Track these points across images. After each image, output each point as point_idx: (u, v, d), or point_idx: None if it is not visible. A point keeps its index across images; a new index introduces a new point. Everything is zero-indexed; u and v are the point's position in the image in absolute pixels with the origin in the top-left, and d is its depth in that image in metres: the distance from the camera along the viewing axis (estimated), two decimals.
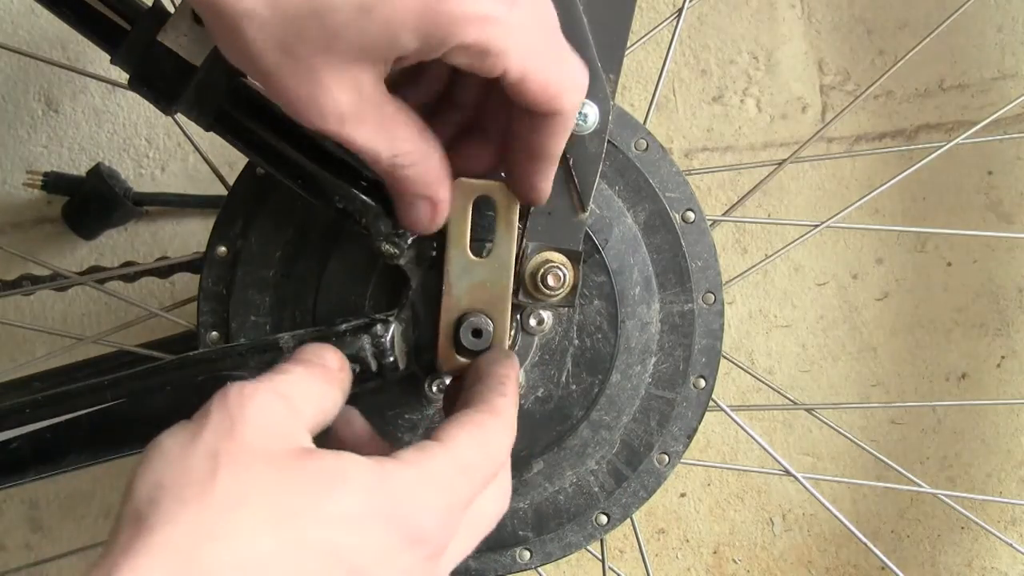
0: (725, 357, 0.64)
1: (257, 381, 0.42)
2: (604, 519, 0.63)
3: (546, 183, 0.50)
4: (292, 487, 0.38)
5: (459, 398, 0.49)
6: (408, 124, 0.46)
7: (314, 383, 0.45)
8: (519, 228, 0.54)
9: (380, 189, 0.53)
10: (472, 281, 0.54)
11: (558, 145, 0.48)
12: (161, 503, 0.37)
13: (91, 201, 0.89)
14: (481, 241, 0.54)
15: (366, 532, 0.38)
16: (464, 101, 0.51)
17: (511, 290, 0.54)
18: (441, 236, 0.54)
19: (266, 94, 0.44)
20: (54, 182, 0.89)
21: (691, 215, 0.62)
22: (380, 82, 0.44)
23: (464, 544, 0.44)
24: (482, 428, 0.45)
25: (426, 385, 0.58)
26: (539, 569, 0.64)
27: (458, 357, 0.55)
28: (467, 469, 0.43)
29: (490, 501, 0.46)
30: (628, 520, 0.64)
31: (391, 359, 0.55)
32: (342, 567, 0.37)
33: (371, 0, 0.40)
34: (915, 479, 0.75)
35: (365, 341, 0.54)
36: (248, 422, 0.40)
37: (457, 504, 0.42)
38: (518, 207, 0.53)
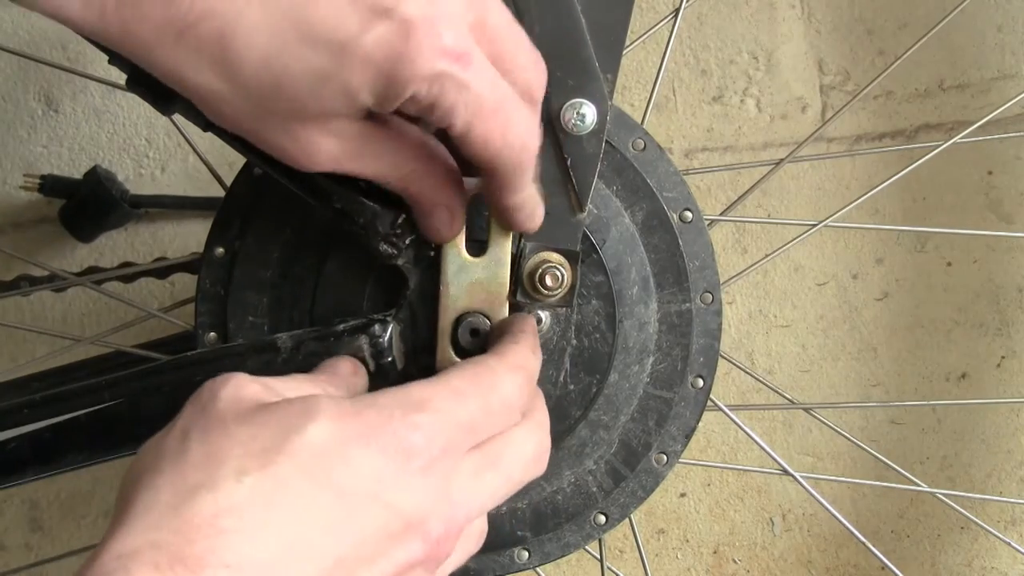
0: (724, 357, 0.64)
1: (240, 374, 0.42)
2: (602, 519, 0.63)
3: (518, 223, 0.51)
4: (261, 431, 0.38)
5: None
6: (403, 144, 0.47)
7: (309, 384, 0.45)
8: None
9: (378, 190, 0.54)
10: (469, 280, 0.54)
11: (505, 199, 0.49)
12: (140, 480, 0.37)
13: (88, 204, 0.89)
14: (478, 241, 0.54)
15: (344, 457, 0.38)
16: None
17: (508, 289, 0.54)
18: None
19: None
20: (51, 185, 0.89)
21: (689, 215, 0.62)
22: (359, 121, 0.44)
23: (495, 476, 0.44)
24: (476, 363, 0.45)
25: None
26: (537, 569, 0.64)
27: (456, 358, 0.55)
28: (456, 392, 0.43)
29: (523, 432, 0.45)
30: (627, 520, 0.64)
31: (389, 359, 0.55)
32: (328, 493, 0.37)
33: (327, 70, 0.40)
34: (915, 479, 0.75)
35: (363, 341, 0.54)
36: (220, 399, 0.40)
37: (447, 421, 0.41)
38: None
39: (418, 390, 0.42)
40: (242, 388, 0.41)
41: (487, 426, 0.44)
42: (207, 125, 0.52)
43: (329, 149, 0.44)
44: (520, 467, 0.45)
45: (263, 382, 0.42)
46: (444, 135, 0.46)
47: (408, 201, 0.50)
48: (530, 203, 0.50)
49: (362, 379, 0.50)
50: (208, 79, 0.41)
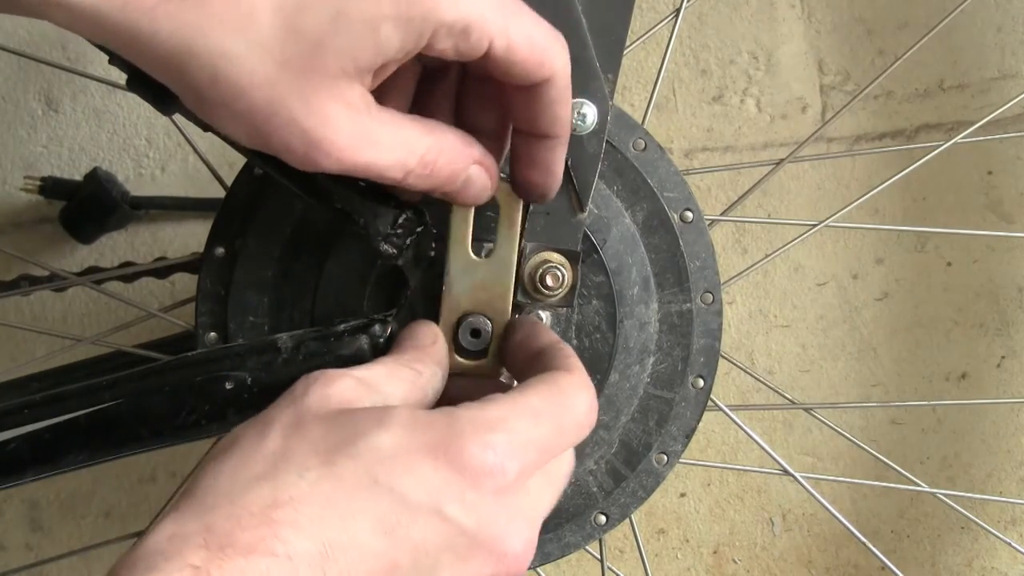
0: (724, 357, 0.64)
1: (336, 369, 0.43)
2: (603, 519, 0.63)
3: (560, 166, 0.49)
4: (332, 432, 0.39)
5: (520, 376, 0.49)
6: (408, 121, 0.45)
7: (401, 368, 0.46)
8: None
9: (379, 190, 0.54)
10: (473, 281, 0.54)
11: (565, 111, 0.46)
12: (209, 464, 0.38)
13: (88, 205, 0.89)
14: (480, 241, 0.54)
15: (409, 466, 0.38)
16: None
17: (512, 291, 0.54)
18: (440, 236, 0.54)
19: (266, 149, 0.43)
20: (52, 187, 0.89)
21: (689, 215, 0.62)
22: (368, 95, 0.43)
23: (552, 492, 0.44)
24: (550, 383, 0.44)
25: None
26: (538, 569, 0.64)
27: (456, 357, 0.55)
28: (535, 413, 0.42)
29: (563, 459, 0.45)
30: (627, 520, 0.64)
31: None
32: (387, 498, 0.38)
33: (343, 3, 0.39)
34: (915, 479, 0.75)
35: (363, 342, 0.54)
36: (308, 396, 0.41)
37: (524, 442, 0.41)
38: (521, 207, 0.53)
39: (495, 409, 0.41)
40: (332, 385, 0.42)
41: (559, 447, 0.43)
42: (207, 125, 0.52)
43: (340, 125, 0.42)
44: (563, 481, 0.45)
45: (357, 376, 0.43)
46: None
47: (436, 185, 0.47)
48: (565, 138, 0.48)
49: (442, 346, 0.50)
50: (220, 37, 0.39)
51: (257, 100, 0.40)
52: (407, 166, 0.44)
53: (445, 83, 0.50)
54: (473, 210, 0.53)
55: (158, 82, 0.50)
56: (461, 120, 0.50)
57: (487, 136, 0.49)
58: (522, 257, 0.54)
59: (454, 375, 0.56)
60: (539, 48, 0.43)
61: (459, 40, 0.42)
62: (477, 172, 0.48)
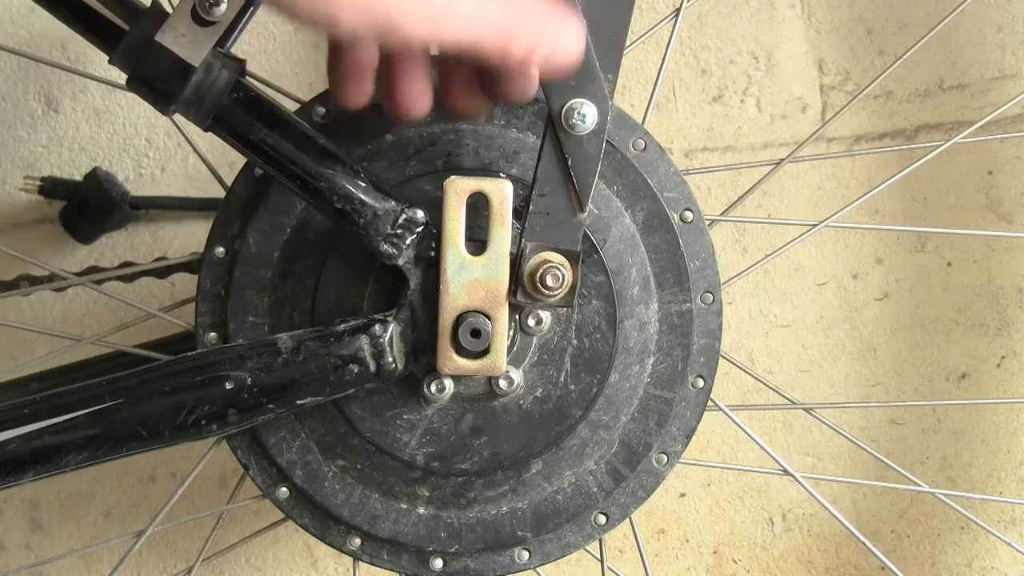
0: (724, 357, 0.64)
1: None
2: (603, 519, 0.63)
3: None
4: None
5: None
6: None
7: None
8: (515, 227, 0.54)
9: (378, 189, 0.54)
10: (469, 279, 0.54)
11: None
12: None
13: (88, 206, 0.89)
14: (477, 240, 0.54)
15: None
16: None
17: (508, 285, 0.54)
18: (437, 235, 0.54)
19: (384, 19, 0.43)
20: (51, 187, 0.89)
21: (689, 215, 0.62)
22: None
23: None
24: None
25: (425, 386, 0.58)
26: (538, 569, 0.64)
27: (458, 358, 0.55)
28: None
29: None
30: (627, 520, 0.64)
31: (390, 359, 0.55)
32: None
33: None
34: (915, 479, 0.75)
35: (363, 341, 0.55)
36: None
37: None
38: (511, 202, 0.53)
39: None
40: None
41: None
42: (207, 125, 0.52)
43: None
44: None
45: None
46: None
47: (510, 55, 0.46)
48: None
49: None
50: None
51: None
52: (486, 27, 0.45)
53: None
54: (464, 208, 0.53)
55: (158, 82, 0.51)
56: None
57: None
58: (522, 257, 0.54)
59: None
60: None
61: None
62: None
